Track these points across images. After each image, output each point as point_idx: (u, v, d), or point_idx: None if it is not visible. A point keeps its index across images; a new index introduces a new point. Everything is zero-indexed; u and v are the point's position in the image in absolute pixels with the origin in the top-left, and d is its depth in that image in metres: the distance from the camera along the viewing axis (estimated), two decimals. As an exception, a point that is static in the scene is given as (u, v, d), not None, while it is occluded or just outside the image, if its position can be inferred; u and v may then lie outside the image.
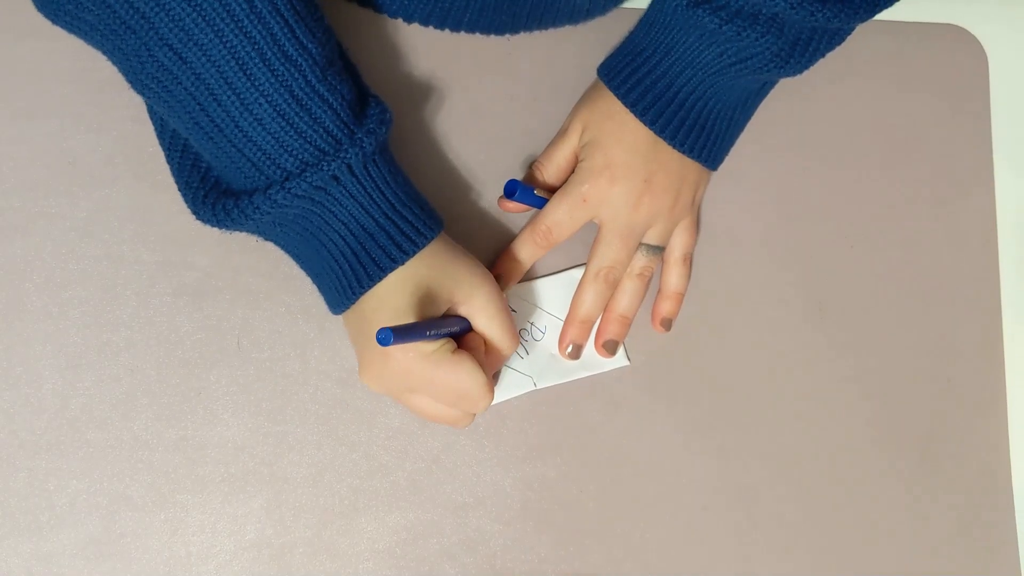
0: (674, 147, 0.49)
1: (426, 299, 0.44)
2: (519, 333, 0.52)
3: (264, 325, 0.51)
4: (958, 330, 0.55)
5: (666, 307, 0.52)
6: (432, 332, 0.43)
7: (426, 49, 0.53)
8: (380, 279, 0.44)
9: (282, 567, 0.50)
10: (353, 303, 0.45)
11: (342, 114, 0.42)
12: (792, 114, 0.55)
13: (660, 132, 0.48)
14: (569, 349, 0.51)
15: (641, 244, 0.51)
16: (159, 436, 0.50)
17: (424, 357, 0.43)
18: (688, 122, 0.49)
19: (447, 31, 0.53)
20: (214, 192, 0.44)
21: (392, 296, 0.44)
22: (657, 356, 0.53)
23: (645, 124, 0.48)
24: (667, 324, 0.52)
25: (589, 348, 0.52)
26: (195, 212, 0.45)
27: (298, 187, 0.41)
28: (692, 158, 0.49)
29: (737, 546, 0.52)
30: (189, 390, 0.50)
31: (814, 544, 0.52)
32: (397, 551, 0.50)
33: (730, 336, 0.53)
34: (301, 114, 0.40)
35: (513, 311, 0.52)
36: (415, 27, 0.53)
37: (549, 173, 0.52)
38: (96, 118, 0.51)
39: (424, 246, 0.44)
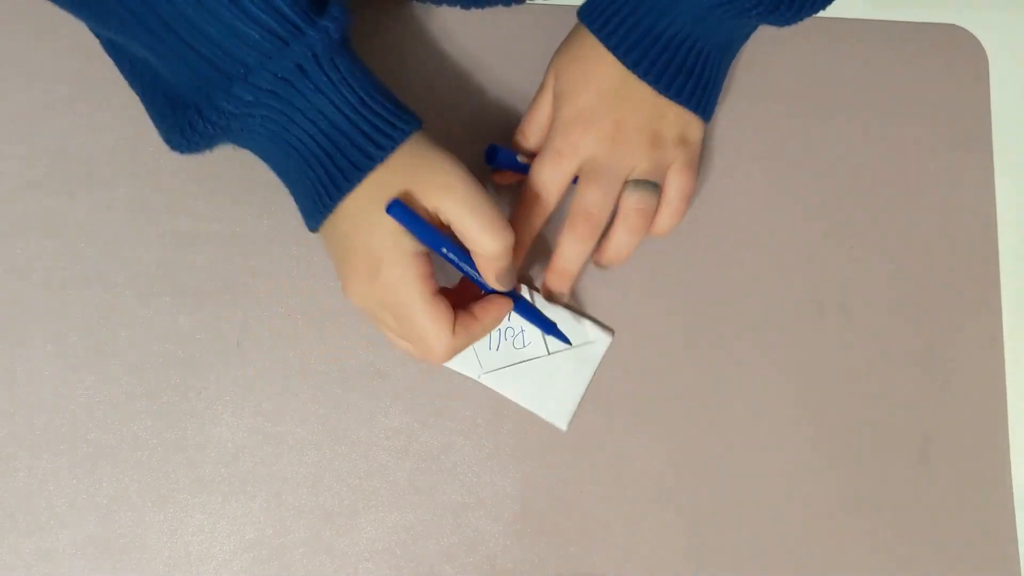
0: (649, 83, 0.47)
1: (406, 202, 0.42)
2: (506, 330, 0.52)
3: (264, 325, 0.51)
4: (958, 330, 0.55)
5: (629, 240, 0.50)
6: (445, 249, 0.42)
7: (404, 25, 0.53)
8: (358, 180, 0.41)
9: (281, 567, 0.50)
10: (331, 211, 0.42)
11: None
12: (792, 114, 0.55)
13: (634, 68, 0.46)
14: (548, 296, 0.51)
15: (627, 182, 0.48)
16: (159, 436, 0.50)
17: (409, 282, 0.41)
18: (666, 60, 0.47)
19: (427, 4, 0.53)
20: (182, 113, 0.41)
21: (371, 203, 0.42)
22: (657, 356, 0.53)
23: (622, 60, 0.47)
24: (618, 259, 0.50)
25: (548, 392, 0.51)
26: (168, 141, 0.43)
27: (260, 79, 0.39)
28: (670, 97, 0.47)
29: (737, 546, 0.52)
30: (189, 390, 0.50)
31: (814, 544, 0.52)
32: (396, 551, 0.50)
33: (730, 336, 0.53)
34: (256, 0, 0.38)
35: (528, 300, 0.51)
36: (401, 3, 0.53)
37: (533, 135, 0.50)
38: (96, 118, 0.51)
39: (402, 141, 0.42)
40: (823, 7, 0.47)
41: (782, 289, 0.54)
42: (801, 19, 0.47)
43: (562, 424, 0.51)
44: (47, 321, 0.50)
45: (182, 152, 0.43)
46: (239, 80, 0.39)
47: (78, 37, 0.50)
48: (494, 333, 0.51)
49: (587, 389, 0.52)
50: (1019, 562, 0.53)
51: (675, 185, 0.49)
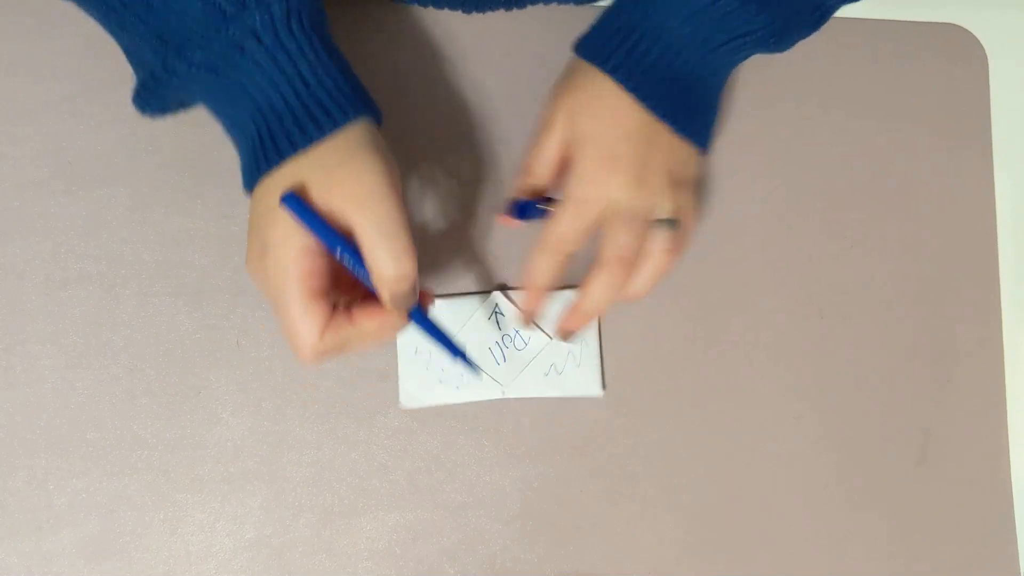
0: (675, 130, 0.47)
1: (318, 196, 0.41)
2: (502, 337, 0.52)
3: (264, 325, 0.51)
4: (958, 330, 0.55)
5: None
6: (341, 252, 0.40)
7: (406, 30, 0.53)
8: (276, 162, 0.41)
9: (281, 566, 0.50)
10: (256, 183, 0.42)
11: None
12: (791, 115, 0.55)
13: (658, 110, 0.46)
14: (565, 336, 0.50)
15: (654, 221, 0.48)
16: (159, 436, 0.50)
17: (287, 276, 0.40)
18: (683, 101, 0.47)
19: (429, 7, 0.53)
20: (145, 76, 0.42)
21: (280, 188, 0.41)
22: (658, 356, 0.53)
23: (645, 103, 0.46)
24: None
25: (570, 370, 0.52)
26: (133, 101, 0.43)
27: (202, 51, 0.39)
28: (686, 136, 0.47)
29: (737, 546, 0.52)
30: (189, 390, 0.50)
31: (814, 544, 0.52)
32: (396, 551, 0.50)
33: (730, 336, 0.53)
34: None
35: (501, 314, 0.51)
36: (399, 7, 0.53)
37: (540, 173, 0.49)
38: (96, 118, 0.51)
39: (331, 131, 0.41)
40: (815, 29, 0.47)
41: (782, 288, 0.54)
42: (796, 42, 0.47)
43: (598, 391, 0.52)
44: (47, 321, 0.50)
45: (142, 112, 0.43)
46: (173, 53, 0.39)
47: (78, 37, 0.50)
48: (495, 349, 0.51)
49: (599, 343, 0.52)
50: (1019, 562, 0.53)
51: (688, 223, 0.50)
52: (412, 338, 0.51)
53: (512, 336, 0.52)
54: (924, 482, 0.53)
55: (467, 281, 0.52)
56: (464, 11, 0.53)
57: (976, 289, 0.55)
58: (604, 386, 0.52)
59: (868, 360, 0.54)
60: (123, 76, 0.43)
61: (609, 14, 0.48)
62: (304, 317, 0.40)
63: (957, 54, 0.57)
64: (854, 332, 0.54)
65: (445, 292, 0.52)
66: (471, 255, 0.52)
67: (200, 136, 0.51)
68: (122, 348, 0.50)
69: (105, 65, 0.44)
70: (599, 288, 0.47)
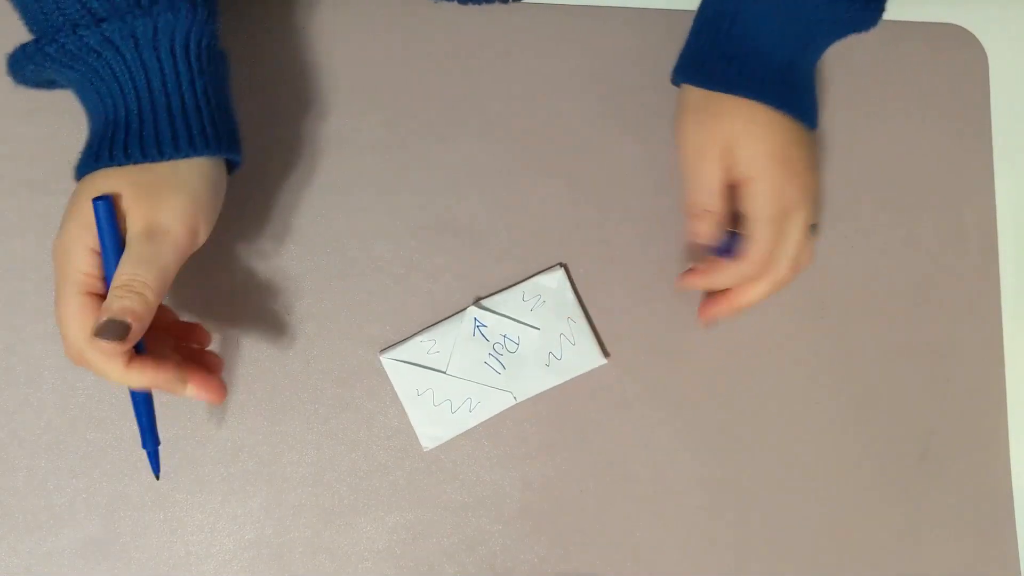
0: (812, 129, 0.48)
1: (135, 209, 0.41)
2: (493, 347, 0.52)
3: (264, 325, 0.51)
4: (958, 330, 0.55)
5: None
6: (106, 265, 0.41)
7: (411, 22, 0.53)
8: (118, 163, 0.41)
9: (281, 566, 0.50)
10: (88, 171, 0.42)
11: None
12: (792, 114, 0.55)
13: (810, 123, 0.48)
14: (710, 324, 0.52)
15: (811, 226, 0.49)
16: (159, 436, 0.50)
17: (71, 271, 0.41)
18: (804, 97, 0.48)
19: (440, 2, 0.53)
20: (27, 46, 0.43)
21: (103, 183, 0.41)
22: (657, 356, 0.53)
23: (806, 123, 0.47)
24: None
25: (568, 351, 0.52)
26: (8, 62, 0.44)
27: (72, 41, 0.41)
28: (811, 126, 0.48)
29: (736, 546, 0.52)
30: (189, 390, 0.50)
31: (814, 544, 0.52)
32: (396, 551, 0.50)
33: (730, 336, 0.53)
34: None
35: (484, 326, 0.51)
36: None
37: (715, 204, 0.47)
38: (96, 118, 0.51)
39: (171, 158, 0.42)
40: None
41: (782, 288, 0.54)
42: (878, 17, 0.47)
43: (602, 360, 0.52)
44: (47, 321, 0.50)
45: (16, 82, 0.45)
46: (48, 37, 0.41)
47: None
48: (490, 361, 0.51)
49: (585, 315, 0.52)
50: (1019, 562, 0.53)
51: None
52: (408, 380, 0.51)
53: (502, 342, 0.52)
54: (924, 481, 0.53)
55: (442, 305, 0.52)
56: (460, 2, 0.53)
57: (976, 289, 0.55)
58: (607, 354, 0.52)
59: (868, 359, 0.54)
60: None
61: (708, 37, 0.48)
62: (76, 314, 0.41)
63: (957, 54, 0.57)
64: (854, 332, 0.54)
65: (422, 326, 0.52)
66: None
67: (200, 136, 0.51)
68: (122, 348, 0.50)
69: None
70: (765, 289, 0.48)
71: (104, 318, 0.39)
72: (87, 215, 0.41)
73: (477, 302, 0.52)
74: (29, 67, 0.43)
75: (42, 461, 0.49)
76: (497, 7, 0.54)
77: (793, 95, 0.47)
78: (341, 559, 0.50)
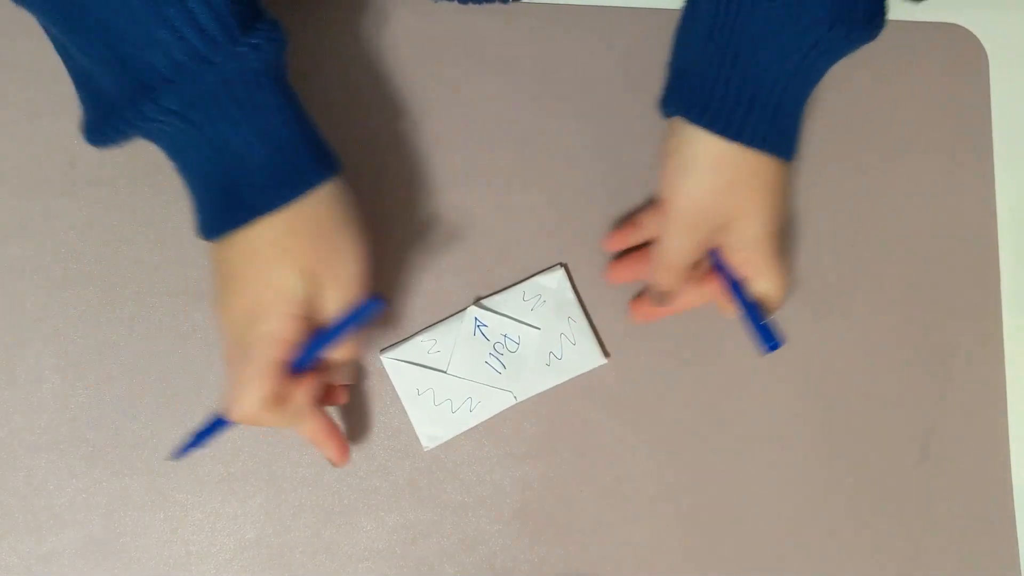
0: (788, 162, 0.47)
1: (307, 273, 0.41)
2: (493, 346, 0.52)
3: (264, 325, 0.51)
4: (958, 330, 0.55)
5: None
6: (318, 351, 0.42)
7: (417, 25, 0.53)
8: (248, 220, 0.40)
9: (281, 566, 0.50)
10: (221, 237, 0.41)
11: (220, 10, 0.37)
12: (792, 114, 0.55)
13: (790, 158, 0.46)
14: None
15: None
16: (159, 436, 0.50)
17: (268, 342, 0.40)
18: (791, 131, 0.47)
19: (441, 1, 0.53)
20: (103, 106, 0.40)
21: (267, 248, 0.41)
22: (657, 356, 0.53)
23: (787, 160, 0.47)
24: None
25: (568, 351, 0.52)
26: (84, 134, 0.42)
27: (168, 100, 0.37)
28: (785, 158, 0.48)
29: (737, 545, 0.52)
30: (189, 390, 0.50)
31: (814, 544, 0.52)
32: (396, 551, 0.50)
33: (729, 335, 0.53)
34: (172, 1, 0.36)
35: (484, 325, 0.51)
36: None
37: (678, 286, 0.48)
38: (96, 118, 0.51)
39: (305, 192, 0.40)
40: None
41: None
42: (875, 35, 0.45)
43: (602, 360, 0.52)
44: (47, 321, 0.50)
45: (95, 145, 0.42)
46: (154, 91, 0.38)
47: None
48: (491, 361, 0.51)
49: (585, 315, 0.52)
50: (1019, 562, 0.53)
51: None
52: (408, 379, 0.51)
53: (502, 342, 0.52)
54: (924, 482, 0.53)
55: (443, 304, 0.52)
56: (460, 1, 0.53)
57: (976, 289, 0.55)
58: (607, 354, 0.52)
59: (868, 360, 0.54)
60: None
61: (705, 72, 0.45)
62: (256, 383, 0.40)
63: (957, 54, 0.57)
64: (854, 331, 0.54)
65: (423, 326, 0.52)
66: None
67: (200, 136, 0.51)
68: (122, 348, 0.50)
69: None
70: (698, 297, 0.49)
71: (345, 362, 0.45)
72: (281, 281, 0.40)
73: (477, 302, 0.52)
74: (131, 127, 0.39)
75: (42, 461, 0.49)
76: (497, 7, 0.54)
77: (793, 139, 0.46)
78: (341, 559, 0.50)
